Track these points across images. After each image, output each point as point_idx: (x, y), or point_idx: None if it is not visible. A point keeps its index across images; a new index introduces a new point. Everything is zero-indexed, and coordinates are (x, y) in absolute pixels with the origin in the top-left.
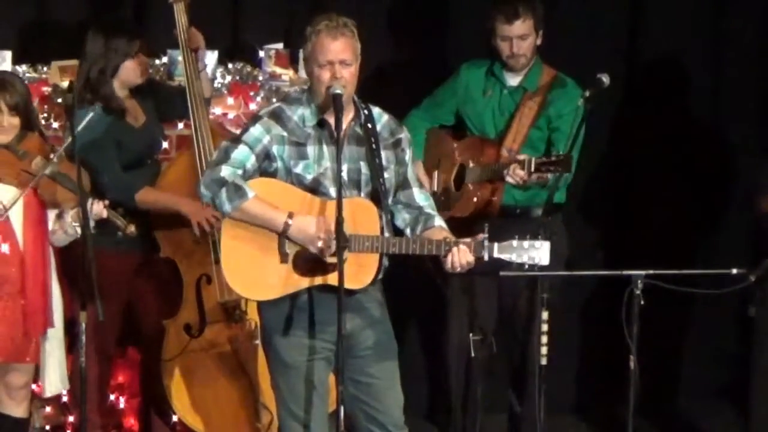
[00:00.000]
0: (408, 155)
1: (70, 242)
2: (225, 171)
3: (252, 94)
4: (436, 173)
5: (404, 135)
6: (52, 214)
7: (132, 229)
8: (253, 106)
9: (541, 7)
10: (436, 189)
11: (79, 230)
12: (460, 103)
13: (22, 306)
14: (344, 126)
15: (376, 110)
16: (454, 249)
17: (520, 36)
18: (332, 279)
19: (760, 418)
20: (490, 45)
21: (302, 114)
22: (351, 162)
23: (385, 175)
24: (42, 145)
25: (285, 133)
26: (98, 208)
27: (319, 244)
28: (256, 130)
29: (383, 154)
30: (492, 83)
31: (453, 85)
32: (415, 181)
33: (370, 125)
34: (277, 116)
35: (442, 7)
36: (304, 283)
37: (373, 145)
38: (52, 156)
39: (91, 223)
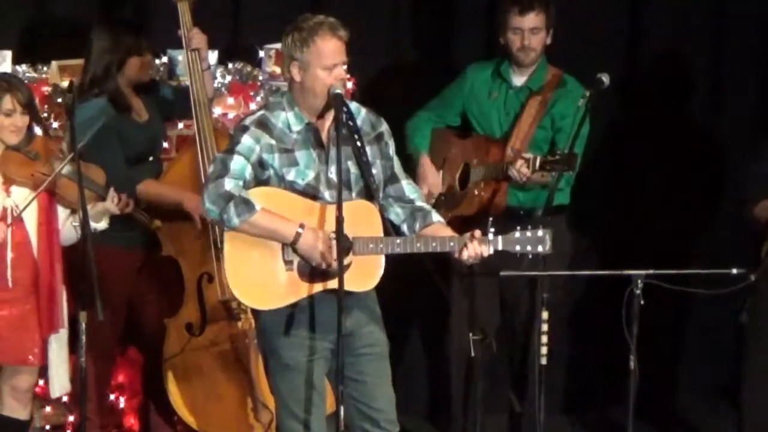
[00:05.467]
0: (391, 148)
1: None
2: (229, 184)
3: (252, 94)
4: (441, 173)
5: (384, 128)
6: (62, 213)
7: (158, 223)
8: (253, 106)
9: (554, 6)
10: (441, 188)
11: (98, 226)
12: (467, 103)
13: (31, 308)
14: (327, 126)
15: (353, 105)
16: (469, 244)
17: (531, 29)
18: (337, 283)
19: (751, 425)
20: (496, 45)
21: (286, 119)
22: (337, 162)
23: (373, 170)
24: (49, 144)
25: (273, 141)
26: (123, 203)
27: (321, 262)
28: (247, 140)
29: (368, 150)
30: (498, 84)
31: (459, 86)
32: (402, 174)
33: (351, 122)
34: (263, 125)
35: (446, 8)
36: (312, 289)
37: (358, 142)
38: (60, 155)
39: (107, 219)
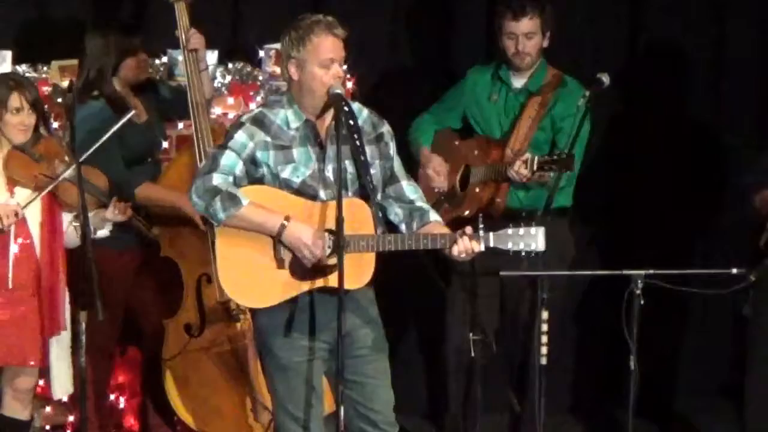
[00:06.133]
0: (392, 148)
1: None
2: (217, 179)
3: (252, 94)
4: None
5: (386, 129)
6: (66, 216)
7: (156, 232)
8: (253, 106)
9: (550, 9)
10: (446, 168)
11: (101, 233)
12: (467, 106)
13: (33, 309)
14: (326, 124)
15: (355, 105)
16: (459, 240)
17: (526, 34)
18: (330, 281)
19: (754, 415)
20: (496, 48)
21: (284, 116)
22: (336, 161)
23: (371, 171)
24: (54, 145)
25: (268, 138)
26: (120, 210)
27: (307, 253)
28: (240, 137)
29: (367, 149)
30: (498, 86)
31: (460, 89)
32: (402, 174)
33: (352, 122)
34: (259, 122)
35: (445, 10)
36: (303, 287)
37: (357, 142)
38: (65, 157)
39: (109, 226)
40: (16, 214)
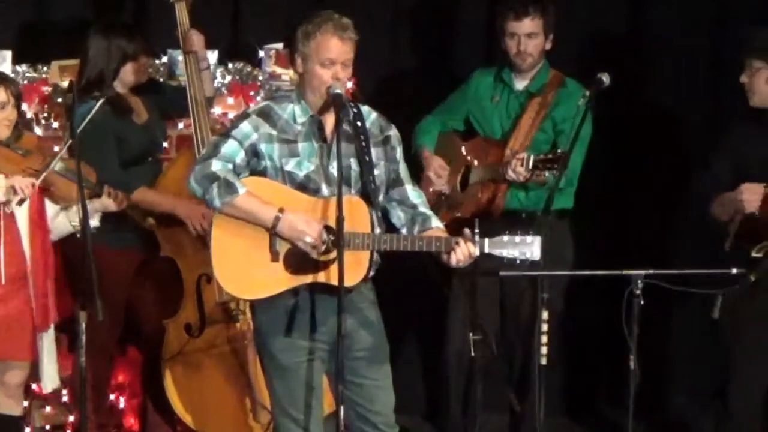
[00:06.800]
0: (398, 152)
1: (71, 241)
2: (216, 165)
3: (252, 94)
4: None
5: (393, 132)
6: (51, 209)
7: (151, 221)
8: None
9: (553, 10)
10: (447, 172)
11: (91, 224)
12: (471, 108)
13: (21, 304)
14: (332, 121)
15: (364, 108)
16: (457, 248)
17: (527, 34)
18: (323, 277)
19: (738, 418)
20: (496, 50)
21: (292, 110)
22: (338, 159)
23: (375, 172)
24: (41, 143)
25: (274, 132)
26: (115, 200)
27: (308, 239)
28: (245, 127)
29: (373, 151)
30: (500, 88)
31: (464, 91)
32: (407, 179)
33: (359, 123)
34: (265, 114)
35: (447, 12)
36: (296, 281)
37: (363, 143)
38: (56, 150)
39: (98, 216)
40: (33, 186)
